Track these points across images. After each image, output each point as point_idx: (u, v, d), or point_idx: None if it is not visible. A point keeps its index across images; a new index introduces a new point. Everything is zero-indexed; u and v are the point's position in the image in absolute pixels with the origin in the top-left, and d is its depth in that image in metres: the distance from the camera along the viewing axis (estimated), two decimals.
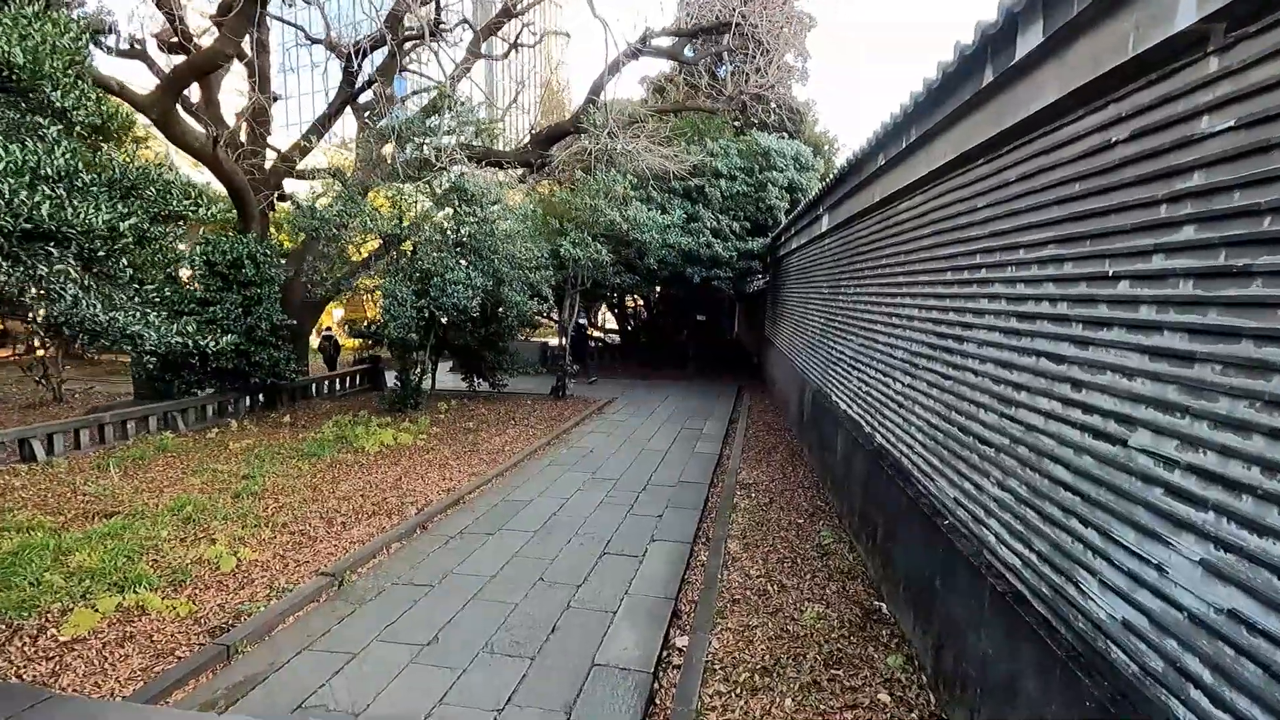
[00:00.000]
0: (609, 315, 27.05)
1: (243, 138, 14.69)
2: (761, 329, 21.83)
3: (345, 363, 18.02)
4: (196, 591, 5.18)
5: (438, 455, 9.53)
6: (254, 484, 7.75)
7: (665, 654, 4.44)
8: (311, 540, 6.23)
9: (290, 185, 15.43)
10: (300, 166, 15.48)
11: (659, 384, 17.32)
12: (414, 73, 15.99)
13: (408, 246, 10.93)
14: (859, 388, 6.72)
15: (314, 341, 18.34)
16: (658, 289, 23.87)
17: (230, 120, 14.64)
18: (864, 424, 6.41)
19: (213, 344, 7.88)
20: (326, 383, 14.91)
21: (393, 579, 5.48)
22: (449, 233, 10.83)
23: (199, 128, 12.53)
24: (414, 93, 16.70)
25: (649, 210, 14.05)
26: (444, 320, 11.26)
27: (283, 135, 19.94)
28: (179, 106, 13.03)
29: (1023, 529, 3.14)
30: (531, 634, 4.62)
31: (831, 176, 8.21)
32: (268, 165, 15.04)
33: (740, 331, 33.23)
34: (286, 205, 14.52)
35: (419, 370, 12.01)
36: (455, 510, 7.28)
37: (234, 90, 17.76)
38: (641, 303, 25.50)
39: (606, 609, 4.98)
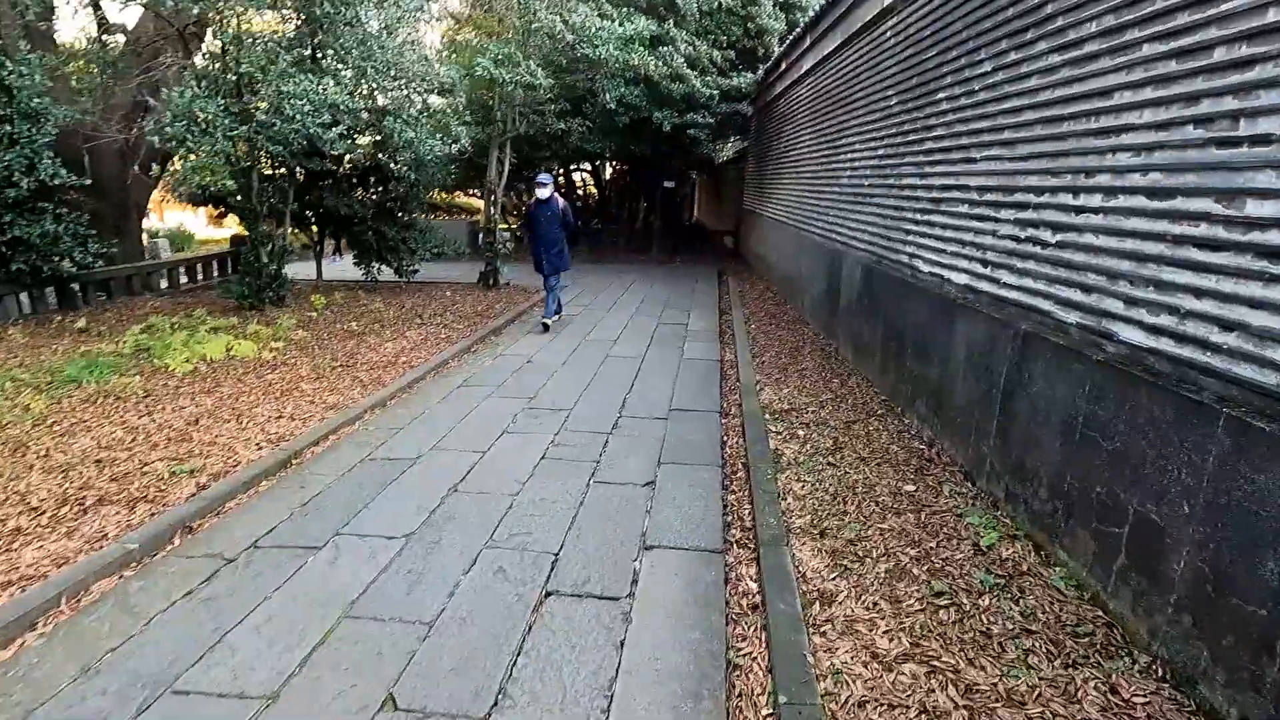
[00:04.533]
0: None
1: None
2: (736, 203, 18.32)
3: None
4: None
5: (287, 375, 6.06)
6: None
7: None
8: None
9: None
10: None
11: (617, 269, 13.86)
12: None
13: (217, 45, 6.76)
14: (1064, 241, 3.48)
15: None
16: (610, 165, 19.90)
17: None
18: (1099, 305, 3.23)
19: None
20: (167, 273, 10.92)
21: None
22: (288, 20, 6.75)
23: None
24: None
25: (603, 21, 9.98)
26: (289, 165, 7.37)
27: None
28: None
29: None
30: None
31: None
32: None
33: (701, 213, 29.68)
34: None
35: (275, 249, 8.21)
36: (271, 483, 3.96)
37: None
38: (591, 182, 21.61)
39: None
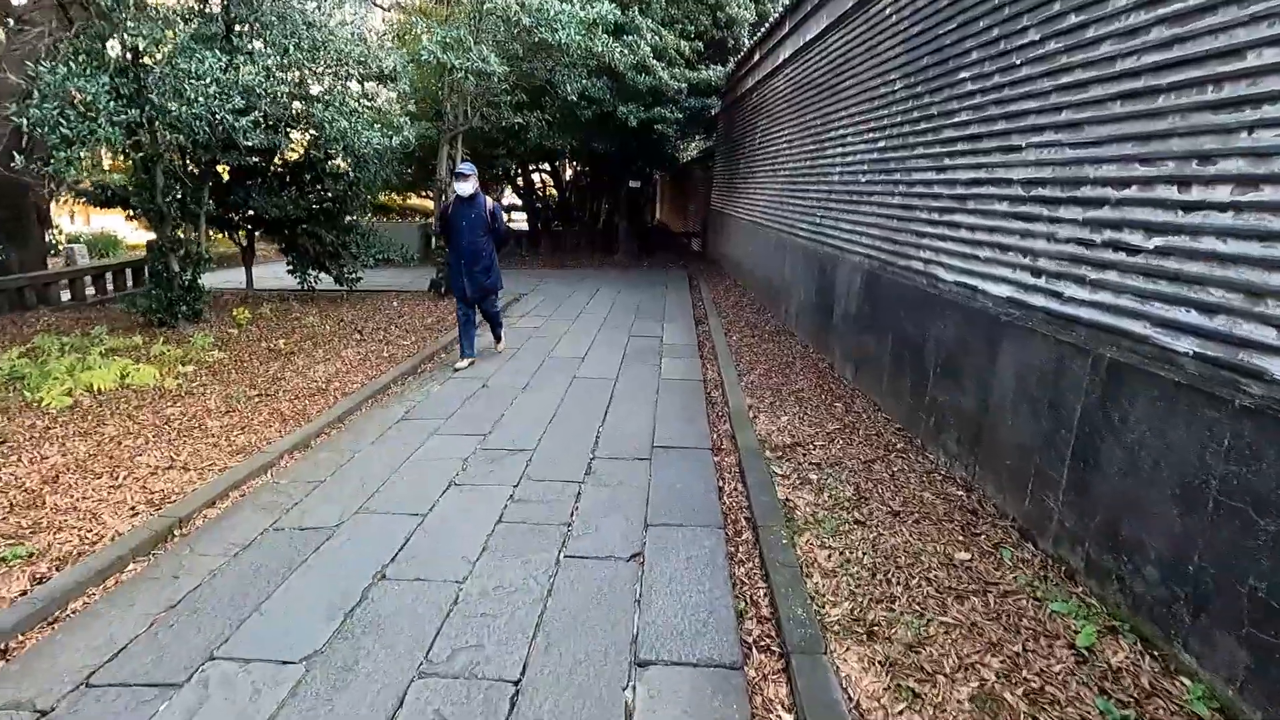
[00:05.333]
0: (513, 198, 21.82)
1: None
2: (702, 203, 17.69)
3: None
4: None
5: (191, 408, 5.05)
6: None
7: None
8: None
9: None
10: None
11: (580, 274, 13.02)
12: None
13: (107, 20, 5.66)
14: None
15: None
16: (571, 165, 18.98)
17: None
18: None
19: None
20: (70, 284, 9.63)
21: None
22: None
23: None
24: None
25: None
26: (203, 158, 6.32)
27: None
28: None
29: None
30: None
31: None
32: None
33: (664, 214, 29.07)
34: None
35: (189, 256, 7.12)
36: (138, 568, 3.00)
37: None
38: (551, 182, 20.64)
39: None
